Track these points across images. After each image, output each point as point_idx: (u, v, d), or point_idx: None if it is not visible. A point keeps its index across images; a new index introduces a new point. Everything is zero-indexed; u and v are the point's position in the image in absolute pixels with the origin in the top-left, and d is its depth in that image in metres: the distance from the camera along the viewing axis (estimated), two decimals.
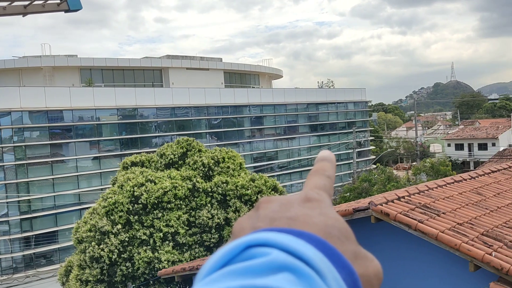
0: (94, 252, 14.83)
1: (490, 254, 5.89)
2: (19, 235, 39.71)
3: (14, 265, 39.85)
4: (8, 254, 39.50)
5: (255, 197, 16.18)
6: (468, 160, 63.20)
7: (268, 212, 0.59)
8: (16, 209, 39.63)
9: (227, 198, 16.18)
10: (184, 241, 15.03)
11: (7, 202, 39.19)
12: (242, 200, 16.14)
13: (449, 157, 59.39)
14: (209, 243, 15.27)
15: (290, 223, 0.57)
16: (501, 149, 51.26)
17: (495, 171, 10.23)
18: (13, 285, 37.33)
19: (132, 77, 54.55)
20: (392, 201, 7.51)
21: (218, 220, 15.35)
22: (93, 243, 15.03)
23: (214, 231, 15.33)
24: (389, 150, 73.53)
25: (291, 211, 0.59)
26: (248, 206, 16.11)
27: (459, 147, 64.84)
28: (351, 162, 55.57)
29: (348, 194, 34.11)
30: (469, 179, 9.33)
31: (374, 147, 73.57)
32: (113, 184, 17.53)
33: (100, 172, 43.85)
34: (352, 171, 52.53)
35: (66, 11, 8.03)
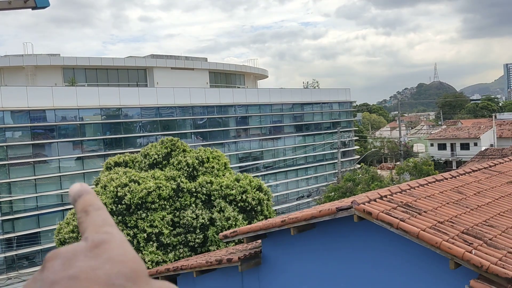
0: None
1: (470, 252, 5.97)
2: (1, 237, 39.04)
3: None
4: None
5: (240, 197, 16.16)
6: (450, 159, 64.09)
7: (49, 274, 0.55)
8: None
9: (212, 198, 16.13)
10: (168, 242, 14.95)
11: None
12: (227, 200, 16.11)
13: (432, 156, 60.13)
14: (193, 243, 15.21)
15: (70, 285, 0.53)
16: (483, 148, 52.05)
17: (476, 170, 10.38)
18: None
19: (116, 77, 54.05)
20: (375, 200, 7.56)
21: (203, 221, 15.30)
22: None
23: (198, 231, 15.27)
24: (373, 150, 74.15)
25: (74, 266, 0.55)
26: (233, 206, 16.08)
27: (442, 146, 65.72)
28: (336, 162, 55.90)
29: (332, 193, 34.32)
30: (450, 178, 9.45)
31: (358, 147, 74.13)
32: (96, 184, 17.35)
33: (84, 173, 43.35)
34: (336, 170, 52.85)
35: (33, 8, 7.87)
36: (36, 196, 41.01)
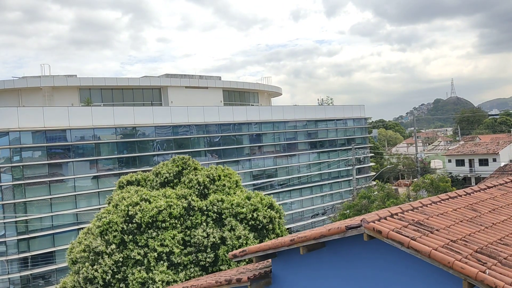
0: (88, 273, 14.59)
1: (484, 272, 5.71)
2: (16, 256, 39.31)
3: (11, 286, 39.34)
4: (5, 275, 39.04)
5: (251, 215, 15.97)
6: (469, 176, 62.91)
7: None
8: (14, 229, 39.32)
9: (223, 216, 15.98)
10: (179, 261, 14.78)
11: (4, 223, 38.91)
12: (238, 218, 15.93)
13: (450, 173, 59.15)
14: (204, 262, 15.02)
15: None
16: (502, 164, 51.06)
17: (491, 187, 10.07)
18: None
19: (131, 96, 54.76)
20: (385, 218, 7.35)
21: (214, 239, 15.13)
22: (86, 264, 14.80)
23: (209, 250, 15.09)
24: (389, 166, 73.27)
25: None
26: (244, 224, 15.89)
27: (460, 163, 64.66)
28: (351, 179, 55.32)
29: (348, 211, 33.85)
30: (464, 195, 9.17)
31: (374, 164, 73.37)
32: (109, 203, 17.37)
33: (99, 191, 43.66)
34: (352, 188, 52.26)
35: None
36: (52, 215, 41.35)
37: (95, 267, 14.52)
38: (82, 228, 33.65)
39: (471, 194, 9.37)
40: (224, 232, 15.47)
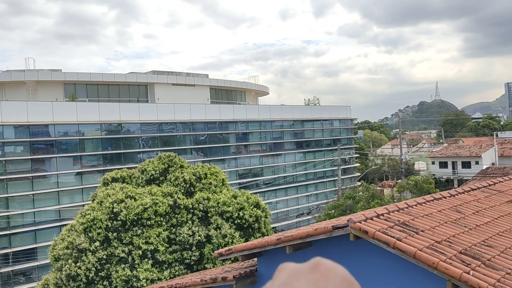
0: (71, 270, 14.41)
1: (468, 273, 5.79)
2: None
3: None
4: None
5: (237, 214, 15.96)
6: (452, 178, 63.76)
7: (275, 284, 0.64)
8: None
9: (209, 215, 15.93)
10: (164, 259, 14.70)
11: None
12: (224, 217, 15.91)
13: (433, 174, 59.87)
14: (189, 260, 14.96)
15: None
16: (484, 167, 51.85)
17: (475, 189, 10.23)
18: None
19: (117, 92, 54.23)
20: (371, 219, 7.41)
21: (199, 237, 15.08)
22: (70, 261, 14.61)
23: (195, 248, 15.03)
24: (374, 167, 73.86)
25: (292, 286, 0.62)
26: (230, 223, 15.87)
27: (443, 165, 65.47)
28: (336, 179, 55.64)
29: (332, 211, 34.01)
30: (449, 197, 9.29)
31: (359, 164, 73.90)
32: (93, 200, 17.18)
33: (82, 188, 43.16)
34: (337, 188, 52.57)
35: None
36: (34, 211, 40.75)
37: (78, 264, 14.35)
38: (65, 225, 33.24)
39: (456, 196, 9.50)
40: (209, 231, 15.43)
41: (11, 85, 48.46)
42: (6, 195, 39.30)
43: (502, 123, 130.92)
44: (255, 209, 16.48)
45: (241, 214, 16.05)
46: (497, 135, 69.05)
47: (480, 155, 60.78)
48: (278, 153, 59.35)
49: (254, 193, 19.34)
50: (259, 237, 15.99)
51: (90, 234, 14.82)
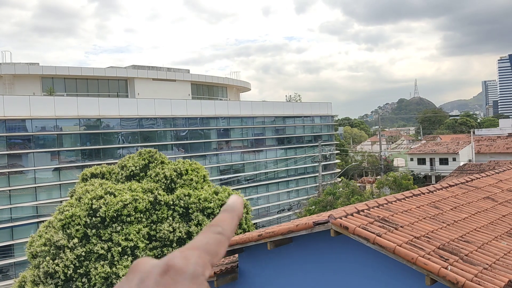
0: (49, 267, 14.18)
1: (446, 268, 5.89)
2: None
3: None
4: None
5: (218, 210, 15.93)
6: (429, 174, 64.82)
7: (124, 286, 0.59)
8: None
9: (190, 211, 15.85)
10: (144, 256, 14.59)
11: None
12: (205, 213, 15.84)
13: (412, 171, 60.75)
14: None
15: None
16: (461, 164, 52.85)
17: (453, 185, 10.40)
18: None
19: (96, 87, 53.43)
20: (352, 215, 7.46)
21: (180, 234, 14.99)
22: (47, 258, 14.37)
23: (175, 245, 14.95)
24: (354, 164, 74.60)
25: None
26: (211, 219, 15.83)
27: (421, 161, 66.48)
28: (317, 175, 56.03)
29: (313, 207, 34.25)
30: (427, 193, 9.43)
31: (339, 161, 74.50)
32: (71, 196, 16.91)
33: (60, 184, 42.45)
34: (317, 184, 52.94)
35: None
36: (10, 208, 39.93)
37: (56, 261, 14.12)
38: (42, 222, 32.72)
39: (434, 192, 9.64)
40: (190, 227, 15.36)
41: None
42: None
43: (479, 120, 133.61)
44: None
45: None
46: (474, 133, 70.43)
47: (458, 152, 61.95)
48: (259, 149, 59.40)
49: (236, 189, 19.34)
50: (240, 233, 15.99)
51: (68, 231, 14.59)
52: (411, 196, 9.02)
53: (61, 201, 36.94)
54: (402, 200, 8.67)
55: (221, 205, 16.16)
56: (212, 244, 0.64)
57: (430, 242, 6.74)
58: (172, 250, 14.88)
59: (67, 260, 13.99)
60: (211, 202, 15.89)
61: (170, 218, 15.36)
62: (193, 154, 50.33)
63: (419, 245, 6.51)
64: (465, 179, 11.15)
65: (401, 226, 7.17)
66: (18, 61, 52.43)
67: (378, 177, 61.41)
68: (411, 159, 68.46)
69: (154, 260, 0.62)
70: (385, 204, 8.30)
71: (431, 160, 65.36)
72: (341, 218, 7.16)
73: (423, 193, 9.37)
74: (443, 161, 63.82)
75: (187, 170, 17.36)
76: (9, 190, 39.95)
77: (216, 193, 16.47)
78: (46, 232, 15.35)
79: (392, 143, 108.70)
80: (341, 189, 36.01)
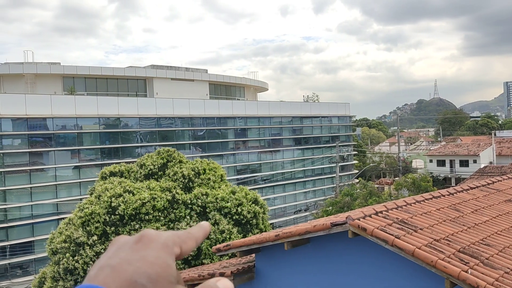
0: (69, 264, 14.41)
1: (466, 272, 5.80)
2: None
3: None
4: None
5: (235, 210, 15.97)
6: (449, 176, 63.89)
7: (104, 258, 0.67)
8: None
9: (207, 210, 15.93)
10: None
11: None
12: (222, 212, 15.91)
13: (431, 173, 59.96)
14: (187, 256, 14.99)
15: (106, 272, 0.63)
16: (482, 166, 51.97)
17: (474, 188, 10.24)
18: None
19: (116, 86, 54.09)
20: (370, 216, 7.41)
21: None
22: (67, 255, 14.62)
23: None
24: (372, 165, 73.97)
25: (118, 256, 0.66)
26: (228, 218, 15.88)
27: (441, 163, 65.57)
28: (334, 176, 55.72)
29: (330, 208, 34.07)
30: (448, 195, 9.30)
31: (357, 162, 73.98)
32: (91, 194, 17.16)
33: (80, 182, 43.11)
34: (335, 185, 52.64)
35: None
36: (32, 205, 40.71)
37: (76, 258, 14.35)
38: (62, 219, 33.27)
39: (454, 194, 9.51)
40: None
41: (10, 77, 48.27)
42: (4, 188, 39.24)
43: (500, 122, 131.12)
44: (253, 205, 16.49)
45: (239, 210, 16.06)
46: (495, 134, 69.10)
47: (478, 154, 60.91)
48: (276, 150, 59.35)
49: (252, 189, 19.35)
50: (257, 233, 16.01)
51: (88, 228, 14.81)
52: (431, 198, 8.91)
53: (81, 199, 37.54)
54: (421, 202, 8.58)
55: (238, 205, 16.20)
56: (182, 234, 0.73)
57: (450, 245, 6.65)
58: None
59: (86, 257, 14.21)
60: (228, 202, 15.94)
61: (188, 217, 15.47)
62: (210, 153, 50.57)
63: (439, 248, 6.43)
64: (486, 182, 10.97)
65: (420, 229, 7.09)
66: (40, 60, 53.44)
67: (396, 178, 60.77)
68: (431, 161, 67.58)
69: (130, 236, 0.71)
70: (404, 206, 8.22)
71: (451, 162, 64.41)
72: (359, 220, 7.12)
73: (443, 195, 9.25)
74: (464, 163, 62.82)
75: (204, 170, 17.44)
76: (30, 187, 40.74)
77: (233, 192, 16.52)
78: (66, 229, 15.61)
79: (411, 144, 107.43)
80: (358, 190, 35.75)
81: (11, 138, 40.78)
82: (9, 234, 39.59)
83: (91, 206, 15.19)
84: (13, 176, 40.06)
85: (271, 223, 27.77)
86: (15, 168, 40.14)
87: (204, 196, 16.03)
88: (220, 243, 13.44)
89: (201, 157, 36.20)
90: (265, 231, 16.31)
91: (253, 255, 9.57)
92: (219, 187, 17.09)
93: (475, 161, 60.52)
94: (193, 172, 16.97)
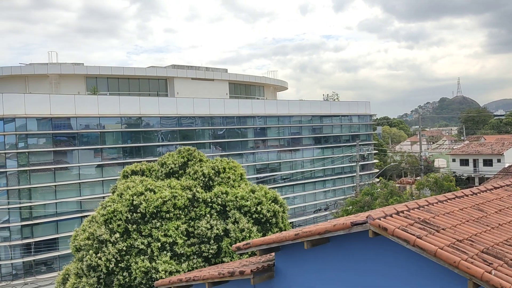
0: (92, 261, 14.67)
1: (490, 273, 5.71)
2: (20, 242, 39.61)
3: (14, 271, 39.69)
4: (8, 260, 39.37)
5: (255, 209, 16.00)
6: (473, 175, 62.74)
7: None
8: (18, 215, 39.60)
9: (227, 209, 16.01)
10: (182, 252, 14.84)
11: (8, 208, 39.17)
12: (242, 211, 15.96)
13: (454, 172, 59.00)
14: (207, 254, 15.08)
15: None
16: (507, 165, 50.88)
17: (498, 188, 10.05)
18: None
19: (137, 86, 54.79)
20: (391, 216, 7.35)
21: (217, 231, 15.17)
22: (90, 252, 14.88)
23: (212, 242, 15.14)
24: (393, 164, 73.13)
25: None
26: (247, 217, 15.92)
27: (464, 162, 64.48)
28: (354, 175, 55.29)
29: (350, 207, 33.85)
30: (471, 195, 9.15)
31: (378, 161, 73.25)
32: (113, 192, 17.42)
33: (103, 180, 43.84)
34: (355, 184, 52.24)
35: None
36: (56, 203, 41.58)
37: (99, 255, 14.60)
38: (85, 216, 33.88)
39: (478, 194, 9.35)
40: (227, 225, 15.52)
41: (35, 78, 49.37)
42: (29, 186, 40.19)
43: None
44: (272, 204, 16.50)
45: (259, 208, 16.09)
46: None
47: (503, 153, 59.64)
48: (296, 149, 59.23)
49: (272, 188, 19.37)
50: (277, 232, 16.03)
51: (110, 226, 15.05)
52: (454, 198, 8.78)
53: (103, 197, 38.16)
54: (444, 202, 8.46)
55: (258, 204, 16.23)
56: None
57: (473, 245, 6.55)
58: (210, 246, 15.11)
59: (109, 254, 14.45)
60: (247, 201, 15.99)
61: (208, 215, 15.57)
62: (230, 152, 50.80)
63: (462, 249, 6.34)
64: (511, 181, 10.74)
65: (442, 229, 7.00)
66: (64, 61, 54.48)
67: (418, 178, 59.93)
68: (454, 160, 66.50)
69: None
70: (426, 205, 8.12)
71: (475, 161, 63.26)
72: (380, 219, 7.07)
73: (466, 195, 9.10)
74: (487, 162, 61.64)
75: (224, 168, 17.54)
76: (55, 185, 41.61)
77: (253, 191, 16.56)
78: (89, 227, 15.90)
79: (433, 143, 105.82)
80: (379, 189, 35.40)
81: (36, 137, 41.73)
82: (34, 231, 40.53)
83: (113, 204, 15.43)
84: (38, 175, 40.99)
85: (290, 222, 27.77)
86: (40, 166, 41.06)
87: (224, 195, 16.11)
88: (240, 242, 13.51)
89: (221, 156, 36.38)
90: (285, 230, 16.31)
91: (273, 253, 9.60)
92: (239, 186, 17.15)
93: (499, 160, 59.31)
94: (213, 171, 17.08)
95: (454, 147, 77.83)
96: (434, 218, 7.49)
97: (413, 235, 6.55)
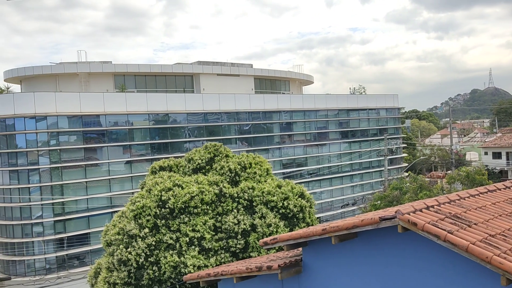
0: (122, 255, 14.98)
1: None
2: (53, 237, 40.80)
3: (47, 265, 40.93)
4: (41, 255, 40.61)
5: (281, 204, 15.99)
6: (506, 169, 60.97)
7: None
8: (50, 211, 40.79)
9: (253, 204, 16.05)
10: (210, 246, 14.99)
11: (42, 204, 40.36)
12: (268, 206, 15.97)
13: (486, 165, 57.45)
14: (235, 248, 15.18)
15: None
16: None
17: None
18: (45, 285, 38.30)
19: (164, 83, 55.42)
20: (420, 210, 7.21)
21: (244, 226, 15.24)
22: (121, 246, 15.18)
23: (240, 236, 15.22)
24: (422, 158, 71.76)
25: None
26: (274, 212, 15.93)
27: (497, 155, 62.69)
28: (383, 170, 54.56)
29: (378, 202, 33.43)
30: (504, 188, 8.89)
31: (406, 155, 72.03)
32: (142, 188, 17.71)
33: (132, 176, 44.63)
34: (383, 178, 51.55)
35: None
36: (87, 198, 42.59)
37: (129, 249, 14.88)
38: (115, 211, 34.62)
39: (511, 188, 9.08)
40: (254, 220, 15.57)
41: (65, 77, 50.58)
42: (61, 182, 41.31)
43: None
44: (299, 199, 16.45)
45: (285, 203, 16.07)
46: None
47: None
48: (322, 143, 58.84)
49: (298, 183, 19.31)
50: (304, 227, 15.98)
51: (139, 221, 15.31)
52: (486, 192, 8.56)
53: (132, 193, 38.88)
54: (476, 196, 8.25)
55: (284, 199, 16.21)
56: None
57: (506, 240, 6.37)
58: (237, 241, 15.19)
59: (138, 248, 14.71)
60: (274, 196, 16.00)
61: (235, 211, 15.67)
62: (256, 147, 50.88)
63: (494, 244, 6.18)
64: None
65: (474, 224, 6.83)
66: (93, 60, 55.60)
67: (449, 172, 58.66)
68: (486, 153, 64.76)
69: None
70: (457, 200, 7.94)
71: (508, 154, 61.43)
72: (409, 214, 6.95)
73: (499, 189, 8.85)
74: None
75: (250, 164, 17.58)
76: (86, 182, 42.63)
77: (279, 186, 16.55)
78: (119, 222, 16.22)
79: (464, 136, 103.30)
80: (408, 184, 34.82)
81: (67, 135, 42.80)
82: (67, 226, 41.68)
83: (142, 200, 15.68)
84: (69, 171, 42.08)
85: (318, 217, 27.69)
86: (72, 163, 42.14)
87: (251, 190, 16.16)
88: (267, 237, 13.54)
89: (247, 151, 36.51)
90: (312, 225, 16.25)
91: (300, 248, 9.57)
92: (265, 181, 17.16)
93: None
94: (239, 166, 17.14)
95: (486, 140, 75.75)
96: (465, 212, 7.32)
97: (444, 230, 6.42)
